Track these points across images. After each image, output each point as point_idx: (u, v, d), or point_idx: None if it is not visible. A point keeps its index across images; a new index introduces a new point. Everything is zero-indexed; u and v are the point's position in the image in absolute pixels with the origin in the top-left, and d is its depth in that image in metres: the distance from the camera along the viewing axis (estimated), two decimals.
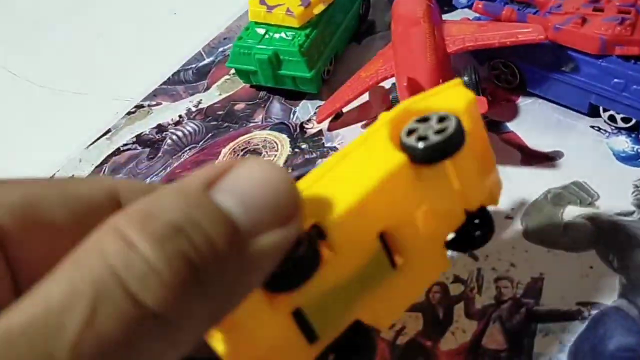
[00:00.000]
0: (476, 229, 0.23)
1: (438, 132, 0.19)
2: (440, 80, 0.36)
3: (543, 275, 0.29)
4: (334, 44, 0.43)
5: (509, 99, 0.40)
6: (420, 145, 0.19)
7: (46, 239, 0.17)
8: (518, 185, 0.34)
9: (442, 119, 0.19)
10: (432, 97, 0.21)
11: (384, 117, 0.20)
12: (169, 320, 0.13)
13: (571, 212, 0.32)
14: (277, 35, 0.41)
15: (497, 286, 0.29)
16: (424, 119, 0.20)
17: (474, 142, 0.21)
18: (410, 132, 0.19)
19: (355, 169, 0.19)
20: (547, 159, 0.35)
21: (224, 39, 0.49)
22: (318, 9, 0.41)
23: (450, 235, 0.22)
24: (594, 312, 0.28)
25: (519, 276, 0.30)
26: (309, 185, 0.18)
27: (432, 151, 0.19)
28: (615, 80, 0.35)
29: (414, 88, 0.35)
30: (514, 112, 0.39)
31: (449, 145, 0.19)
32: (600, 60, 0.35)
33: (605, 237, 0.31)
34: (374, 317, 0.20)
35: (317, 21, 0.41)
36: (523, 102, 0.39)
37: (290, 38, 0.40)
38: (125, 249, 0.13)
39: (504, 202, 0.33)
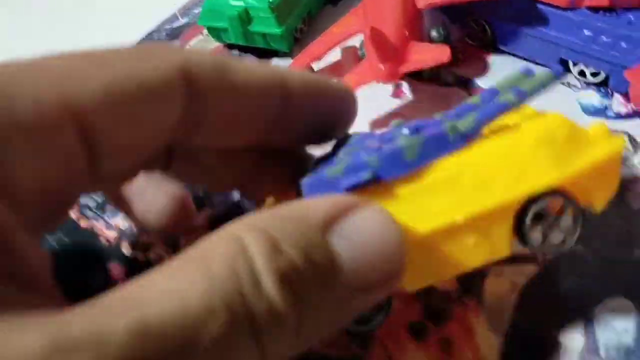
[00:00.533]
0: None
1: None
2: (407, 33, 0.35)
3: None
4: (306, 2, 0.42)
5: (479, 57, 0.39)
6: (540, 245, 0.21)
7: (124, 120, 0.18)
8: None
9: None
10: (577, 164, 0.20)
11: (511, 201, 0.20)
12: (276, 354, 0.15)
13: None
14: None
15: None
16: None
17: None
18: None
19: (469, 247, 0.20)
20: None
21: (200, 0, 0.48)
22: None
23: None
24: (548, 256, 0.27)
25: None
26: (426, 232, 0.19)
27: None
28: (585, 32, 0.34)
29: (379, 40, 0.35)
30: (483, 69, 0.38)
31: None
32: (569, 13, 0.34)
33: None
34: None
35: None
36: (493, 59, 0.39)
37: None
38: (255, 283, 0.14)
39: None
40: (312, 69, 0.40)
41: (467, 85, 0.37)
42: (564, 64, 0.36)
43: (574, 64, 0.36)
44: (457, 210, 0.19)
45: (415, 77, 0.38)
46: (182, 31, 0.46)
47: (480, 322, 0.25)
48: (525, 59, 0.38)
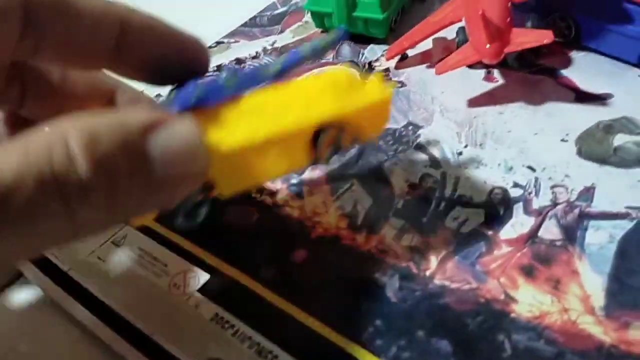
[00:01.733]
0: None
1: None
2: (509, 19, 0.39)
3: (595, 184, 0.33)
4: None
5: (562, 52, 0.43)
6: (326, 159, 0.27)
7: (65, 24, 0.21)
8: (571, 117, 0.37)
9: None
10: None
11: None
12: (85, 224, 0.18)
13: (621, 139, 0.35)
14: None
15: (553, 191, 0.33)
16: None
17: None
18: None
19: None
20: (598, 99, 0.39)
21: None
22: None
23: None
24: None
25: (573, 184, 0.33)
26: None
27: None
28: None
29: (486, 22, 0.38)
30: (567, 63, 0.42)
31: None
32: None
33: None
34: None
35: None
36: (577, 54, 0.42)
37: None
38: (68, 162, 0.17)
39: (559, 128, 0.36)
40: (406, 55, 0.45)
41: (552, 74, 0.41)
42: None
43: None
44: (261, 130, 0.24)
45: (503, 66, 0.42)
46: (284, 17, 0.50)
47: (584, 266, 0.29)
48: (606, 55, 0.41)
